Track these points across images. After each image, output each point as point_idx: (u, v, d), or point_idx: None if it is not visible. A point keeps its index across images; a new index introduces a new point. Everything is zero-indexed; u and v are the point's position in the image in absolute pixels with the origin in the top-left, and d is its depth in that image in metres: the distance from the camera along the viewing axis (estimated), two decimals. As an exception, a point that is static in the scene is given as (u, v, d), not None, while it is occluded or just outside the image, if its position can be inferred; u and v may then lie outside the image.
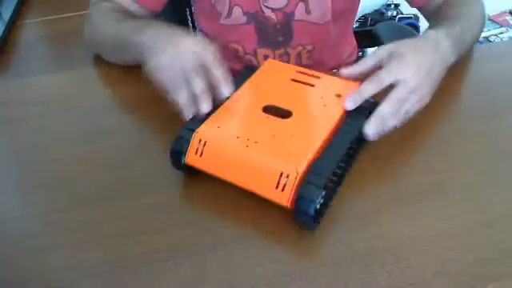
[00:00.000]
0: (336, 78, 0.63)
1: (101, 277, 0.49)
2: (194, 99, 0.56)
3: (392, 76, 0.56)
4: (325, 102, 0.59)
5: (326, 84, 0.62)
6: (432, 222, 0.52)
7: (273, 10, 0.81)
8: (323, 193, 0.49)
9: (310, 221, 0.49)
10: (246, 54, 0.88)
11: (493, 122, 0.66)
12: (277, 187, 0.50)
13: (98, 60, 0.80)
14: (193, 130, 0.54)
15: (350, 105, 0.56)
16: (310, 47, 0.87)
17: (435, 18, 0.76)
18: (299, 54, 0.88)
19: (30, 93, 0.77)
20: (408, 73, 0.57)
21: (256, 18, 0.83)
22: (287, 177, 0.49)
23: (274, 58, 0.87)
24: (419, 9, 0.84)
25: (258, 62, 0.88)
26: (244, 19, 0.83)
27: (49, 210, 0.56)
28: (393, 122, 0.56)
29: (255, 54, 0.87)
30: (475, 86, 0.72)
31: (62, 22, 1.04)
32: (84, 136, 0.67)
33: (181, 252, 0.50)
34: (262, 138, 0.53)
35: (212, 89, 0.57)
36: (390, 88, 0.56)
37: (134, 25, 0.70)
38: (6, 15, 1.03)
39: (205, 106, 0.56)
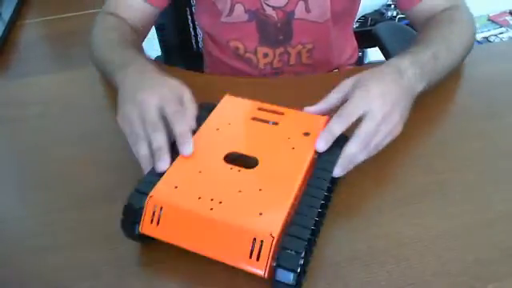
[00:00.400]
0: (300, 113, 0.57)
1: (101, 277, 0.49)
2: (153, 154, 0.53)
3: (359, 108, 0.53)
4: (292, 143, 0.53)
5: (290, 121, 0.56)
6: (432, 221, 0.52)
7: (274, 8, 0.82)
8: (303, 255, 0.43)
9: None
10: (246, 52, 0.88)
11: (492, 122, 0.66)
12: (250, 256, 0.44)
13: (98, 60, 0.80)
14: (145, 194, 0.48)
15: (322, 146, 0.52)
16: (309, 46, 0.87)
17: (416, 38, 0.73)
18: (299, 53, 0.88)
19: (30, 93, 0.78)
20: (373, 104, 0.53)
21: (257, 16, 0.83)
22: (261, 243, 0.43)
23: (274, 57, 0.88)
24: (407, 16, 0.82)
25: (258, 60, 0.88)
26: (245, 17, 0.83)
27: (49, 210, 0.56)
28: (362, 158, 0.54)
29: (255, 53, 0.87)
30: (475, 86, 0.72)
31: (62, 21, 1.04)
32: (84, 136, 0.67)
33: (181, 252, 0.50)
34: (227, 197, 0.47)
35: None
36: (358, 121, 0.54)
37: (120, 59, 0.68)
38: (6, 15, 1.03)
39: (160, 165, 0.51)
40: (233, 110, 0.59)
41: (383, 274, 0.47)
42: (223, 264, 0.48)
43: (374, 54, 1.50)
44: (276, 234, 0.43)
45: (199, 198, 0.47)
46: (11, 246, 0.53)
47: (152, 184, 0.49)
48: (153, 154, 0.52)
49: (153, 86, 0.58)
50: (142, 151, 0.54)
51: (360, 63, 1.19)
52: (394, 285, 0.46)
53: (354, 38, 1.01)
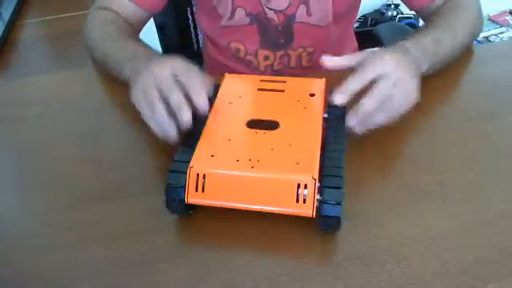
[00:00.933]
0: (300, 78, 0.64)
1: (101, 277, 0.49)
2: (173, 114, 0.54)
3: (374, 71, 0.56)
4: (303, 104, 0.58)
5: (295, 87, 0.61)
6: (432, 221, 0.52)
7: (275, 11, 0.81)
8: (344, 190, 0.48)
9: (338, 223, 0.49)
10: (247, 54, 0.88)
11: (493, 122, 0.66)
12: (297, 201, 0.48)
13: (98, 60, 0.80)
14: (183, 172, 0.50)
15: (341, 98, 0.55)
16: (310, 49, 0.87)
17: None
18: (299, 56, 0.88)
19: (30, 93, 0.78)
20: (388, 66, 0.56)
21: (259, 19, 0.83)
22: (305, 187, 0.48)
23: (275, 60, 0.87)
24: (418, 12, 0.83)
25: (258, 62, 0.88)
26: (247, 20, 0.83)
27: (49, 209, 0.56)
28: (379, 119, 0.56)
29: (256, 55, 0.87)
30: (475, 86, 0.72)
31: (62, 22, 1.04)
32: (84, 136, 0.67)
33: (181, 252, 0.50)
34: (262, 155, 0.51)
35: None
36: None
37: (125, 52, 0.69)
38: (6, 15, 1.03)
39: (184, 115, 0.53)
40: (238, 85, 0.64)
41: (383, 274, 0.47)
42: (223, 263, 0.48)
43: (374, 53, 1.50)
44: (316, 176, 0.48)
45: (237, 161, 0.51)
46: (11, 246, 0.53)
47: (186, 163, 0.51)
48: (173, 109, 0.53)
49: (163, 60, 0.59)
50: (160, 110, 0.54)
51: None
52: (394, 285, 0.46)
53: (354, 39, 1.01)
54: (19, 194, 0.60)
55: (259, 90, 0.61)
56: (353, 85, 0.55)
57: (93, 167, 0.61)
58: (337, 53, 0.94)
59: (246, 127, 0.55)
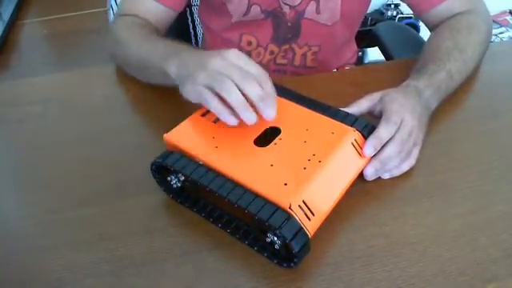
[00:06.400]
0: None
1: (101, 277, 0.49)
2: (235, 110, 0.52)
3: (398, 116, 0.56)
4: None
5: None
6: (432, 221, 0.52)
7: (290, 7, 0.82)
8: None
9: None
10: (258, 46, 0.88)
11: (493, 122, 0.66)
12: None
13: (98, 60, 0.80)
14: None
15: (371, 151, 0.54)
16: (315, 49, 0.88)
17: (430, 45, 0.73)
18: (304, 55, 0.88)
19: (30, 93, 0.77)
20: (406, 114, 0.57)
21: (274, 14, 0.83)
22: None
23: (279, 52, 0.88)
24: (420, 17, 0.82)
25: (264, 56, 0.89)
26: (262, 16, 0.83)
27: (49, 209, 0.56)
28: (394, 163, 0.56)
29: (266, 48, 0.88)
30: (475, 86, 0.72)
31: (62, 21, 1.04)
32: (84, 136, 0.67)
33: (181, 252, 0.50)
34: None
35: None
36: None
37: (161, 51, 0.66)
38: (6, 15, 1.03)
39: (269, 112, 0.52)
40: None
41: (383, 274, 0.47)
42: (223, 263, 0.48)
43: (373, 53, 1.50)
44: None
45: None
46: (11, 246, 0.53)
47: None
48: (254, 102, 0.52)
49: (224, 50, 0.56)
50: (239, 97, 0.51)
51: (360, 63, 1.19)
52: (394, 285, 0.46)
53: (355, 43, 1.01)
54: (19, 194, 0.60)
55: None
56: (386, 135, 0.55)
57: (93, 167, 0.61)
58: (339, 54, 0.95)
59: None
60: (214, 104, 0.53)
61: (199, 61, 0.56)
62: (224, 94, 0.52)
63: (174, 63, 0.60)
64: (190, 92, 0.55)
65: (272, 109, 0.52)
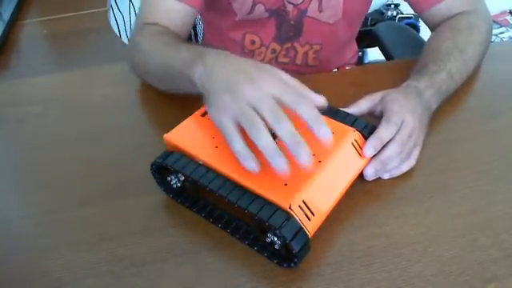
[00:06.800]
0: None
1: (101, 277, 0.49)
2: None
3: (399, 117, 0.56)
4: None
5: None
6: (432, 222, 0.52)
7: (294, 5, 0.82)
8: None
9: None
10: (261, 45, 0.88)
11: (493, 122, 0.66)
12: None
13: (98, 60, 0.80)
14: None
15: (371, 152, 0.54)
16: (317, 47, 0.88)
17: (430, 45, 0.73)
18: (306, 54, 0.88)
19: (30, 93, 0.78)
20: (406, 115, 0.57)
21: (277, 13, 0.83)
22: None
23: (281, 50, 0.88)
24: (421, 16, 0.82)
25: (266, 55, 0.89)
26: (266, 15, 0.84)
27: (49, 209, 0.56)
28: (394, 163, 0.56)
29: (268, 47, 0.88)
30: (475, 86, 0.72)
31: (62, 21, 1.04)
32: (84, 136, 0.67)
33: (181, 252, 0.50)
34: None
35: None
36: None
37: (184, 55, 0.61)
38: (6, 15, 1.03)
39: (305, 159, 0.45)
40: None
41: (383, 274, 0.47)
42: (223, 263, 0.48)
43: (373, 53, 1.50)
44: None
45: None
46: (11, 246, 0.53)
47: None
48: (288, 145, 0.45)
49: (262, 69, 0.51)
50: (269, 141, 0.46)
51: (360, 63, 1.19)
52: (394, 285, 0.46)
53: (355, 43, 1.02)
54: (19, 194, 0.60)
55: None
56: (387, 135, 0.55)
57: (93, 167, 0.61)
58: (340, 54, 0.95)
59: None
60: (238, 148, 0.48)
61: (227, 79, 0.51)
62: (252, 137, 0.46)
63: (198, 70, 0.55)
64: (216, 119, 0.50)
65: (307, 155, 0.45)
